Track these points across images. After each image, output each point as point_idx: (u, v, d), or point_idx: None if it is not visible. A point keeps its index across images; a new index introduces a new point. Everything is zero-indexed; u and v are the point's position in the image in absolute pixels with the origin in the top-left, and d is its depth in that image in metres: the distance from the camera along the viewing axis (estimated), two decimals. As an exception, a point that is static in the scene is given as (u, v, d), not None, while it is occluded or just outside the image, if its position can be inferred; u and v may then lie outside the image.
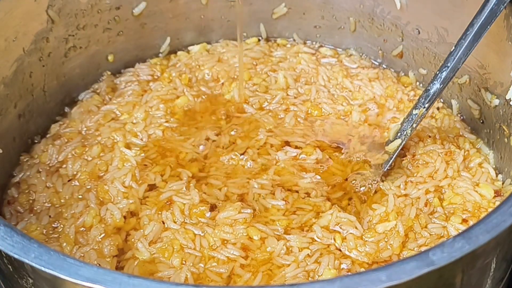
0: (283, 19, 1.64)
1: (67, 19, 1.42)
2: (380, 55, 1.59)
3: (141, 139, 1.39)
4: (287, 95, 1.51)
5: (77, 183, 1.30)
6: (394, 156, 1.32)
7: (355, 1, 1.55)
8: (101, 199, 1.26)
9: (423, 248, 1.16)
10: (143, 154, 1.35)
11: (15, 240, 0.87)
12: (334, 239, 1.18)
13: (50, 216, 1.25)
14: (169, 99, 1.48)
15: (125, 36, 1.55)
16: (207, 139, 1.40)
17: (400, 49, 1.54)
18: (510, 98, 1.25)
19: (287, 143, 1.38)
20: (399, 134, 1.32)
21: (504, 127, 1.30)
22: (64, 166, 1.33)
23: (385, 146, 1.35)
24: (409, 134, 1.31)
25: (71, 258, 0.84)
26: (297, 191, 1.28)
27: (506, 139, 1.30)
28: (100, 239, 1.18)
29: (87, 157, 1.34)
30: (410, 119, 1.30)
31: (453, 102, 1.47)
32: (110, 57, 1.56)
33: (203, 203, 1.23)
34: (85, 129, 1.42)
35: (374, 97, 1.50)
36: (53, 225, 1.23)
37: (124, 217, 1.23)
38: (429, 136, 1.37)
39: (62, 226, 1.22)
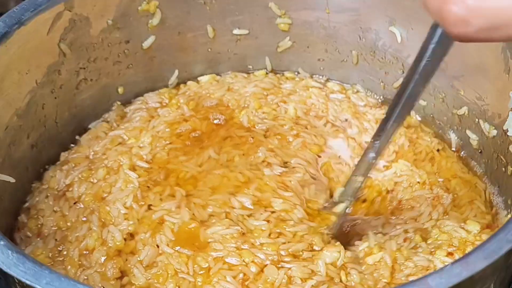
0: (288, 52, 1.66)
1: (78, 53, 1.43)
2: (381, 87, 1.61)
3: (146, 161, 1.38)
4: (298, 125, 1.50)
5: (82, 205, 1.30)
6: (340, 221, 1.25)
7: (357, 35, 1.57)
8: (103, 221, 1.26)
9: (410, 278, 1.13)
10: (146, 176, 1.34)
11: (27, 267, 0.89)
12: (339, 275, 1.15)
13: (56, 240, 1.25)
14: (176, 123, 1.48)
15: (135, 69, 1.57)
16: (209, 158, 1.39)
17: (400, 81, 1.53)
18: (507, 129, 1.26)
19: (286, 164, 1.37)
20: (343, 197, 1.24)
21: (501, 157, 1.32)
22: (70, 189, 1.34)
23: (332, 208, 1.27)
24: (353, 198, 1.22)
25: (81, 284, 0.86)
26: (274, 212, 1.25)
27: (503, 168, 1.32)
28: (102, 262, 1.18)
29: (93, 180, 1.34)
30: (352, 182, 1.20)
31: (452, 135, 1.48)
32: (120, 89, 1.57)
33: (193, 221, 1.22)
34: (92, 153, 1.42)
35: None
36: (59, 249, 1.24)
37: (125, 239, 1.23)
38: (418, 182, 1.35)
39: (67, 249, 1.22)
